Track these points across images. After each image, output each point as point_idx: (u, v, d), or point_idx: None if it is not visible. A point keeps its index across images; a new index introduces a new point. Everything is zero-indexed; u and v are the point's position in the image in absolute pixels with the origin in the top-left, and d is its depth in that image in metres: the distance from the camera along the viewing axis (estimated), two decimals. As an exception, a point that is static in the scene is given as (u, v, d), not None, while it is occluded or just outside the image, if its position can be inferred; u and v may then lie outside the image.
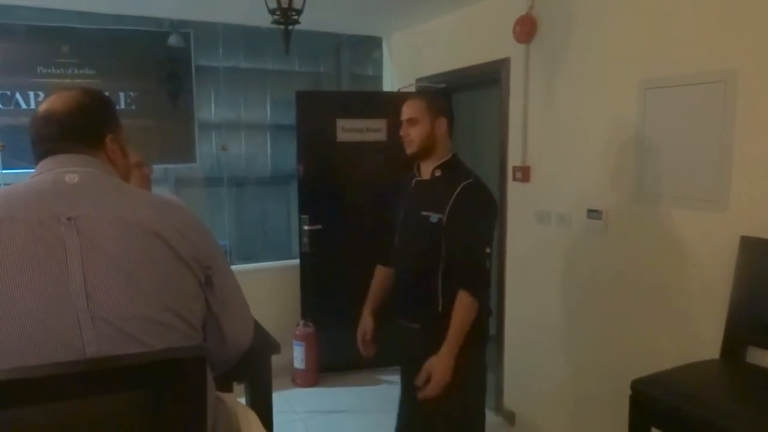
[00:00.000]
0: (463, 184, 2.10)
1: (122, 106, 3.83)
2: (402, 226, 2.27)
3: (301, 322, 3.92)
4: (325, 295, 3.99)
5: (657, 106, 2.42)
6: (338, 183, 4.01)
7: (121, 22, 3.79)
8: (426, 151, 2.16)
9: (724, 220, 2.18)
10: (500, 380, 3.41)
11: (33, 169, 1.20)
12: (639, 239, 2.54)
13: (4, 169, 3.48)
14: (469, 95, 4.11)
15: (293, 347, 3.87)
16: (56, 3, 3.45)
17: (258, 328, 2.07)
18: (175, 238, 1.12)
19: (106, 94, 1.37)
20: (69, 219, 1.05)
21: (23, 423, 0.91)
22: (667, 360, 2.27)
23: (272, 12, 2.81)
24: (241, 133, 4.51)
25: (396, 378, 3.96)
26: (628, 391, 2.03)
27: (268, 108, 4.61)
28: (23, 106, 3.60)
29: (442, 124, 2.15)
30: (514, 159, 3.23)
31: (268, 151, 4.65)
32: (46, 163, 1.18)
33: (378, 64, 4.73)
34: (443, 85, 3.83)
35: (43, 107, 1.22)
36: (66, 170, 1.14)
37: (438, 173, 2.17)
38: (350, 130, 3.97)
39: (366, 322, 2.40)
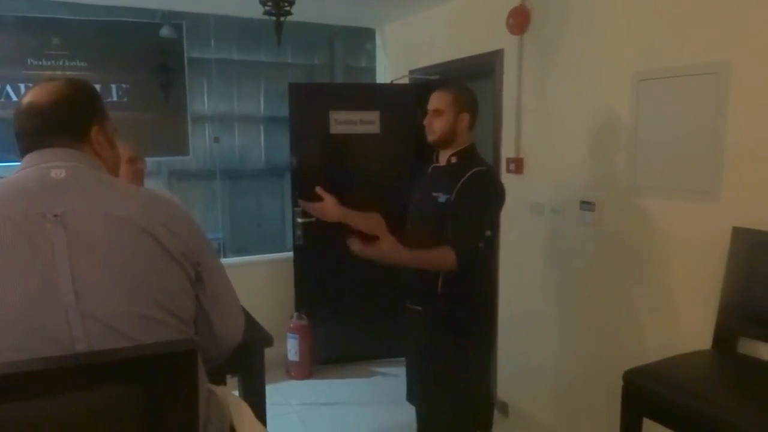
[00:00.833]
0: (475, 169, 2.19)
1: (114, 98, 3.80)
2: (413, 208, 2.34)
3: (295, 315, 3.92)
4: (319, 287, 3.99)
5: (650, 97, 2.42)
6: (332, 175, 3.99)
7: (112, 14, 3.75)
8: (445, 141, 2.25)
9: (717, 212, 2.19)
10: (494, 371, 3.43)
11: (23, 162, 1.19)
12: (632, 231, 2.54)
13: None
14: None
15: (287, 340, 3.87)
16: (46, -6, 3.42)
17: (251, 321, 2.08)
18: (164, 233, 1.11)
19: (97, 86, 1.35)
20: (56, 216, 1.04)
21: (14, 419, 0.90)
22: (659, 351, 2.28)
23: (264, 3, 2.78)
24: (235, 125, 4.48)
25: (389, 370, 4.00)
26: (621, 382, 2.04)
27: (262, 100, 4.59)
28: (14, 98, 3.57)
29: (465, 119, 2.24)
30: (507, 151, 3.23)
31: (262, 144, 4.63)
32: (31, 158, 1.16)
33: (371, 55, 4.71)
34: (437, 77, 3.82)
35: (26, 99, 1.20)
36: (51, 165, 1.12)
37: (454, 160, 2.26)
38: (344, 122, 3.96)
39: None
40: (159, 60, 3.91)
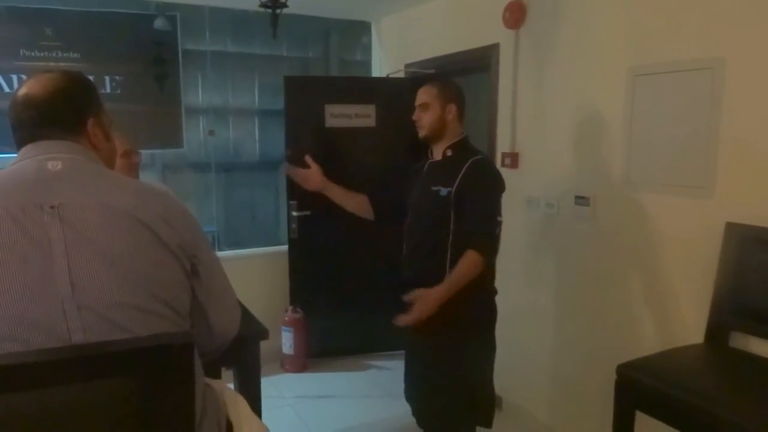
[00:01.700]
0: (472, 159, 2.23)
1: (107, 90, 3.77)
2: (413, 204, 2.36)
3: (290, 308, 3.92)
4: (314, 281, 3.99)
5: (645, 92, 2.43)
6: (327, 169, 3.95)
7: (105, 5, 3.72)
8: (436, 134, 2.29)
9: (710, 207, 2.20)
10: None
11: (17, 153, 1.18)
12: (626, 225, 2.55)
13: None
14: (458, 81, 4.08)
15: (282, 333, 3.87)
16: (38, -16, 3.39)
17: (246, 314, 2.08)
18: (160, 225, 1.11)
19: (90, 77, 1.35)
20: (52, 207, 1.04)
21: (10, 410, 0.90)
22: (652, 345, 2.30)
23: (260, -5, 2.78)
24: (229, 118, 4.46)
25: (383, 363, 4.01)
26: (614, 376, 2.05)
27: (256, 93, 4.56)
28: (6, 89, 3.54)
29: (452, 110, 2.28)
30: (502, 145, 3.23)
31: (257, 137, 4.60)
32: (27, 150, 1.16)
33: (367, 49, 4.70)
34: (432, 71, 3.81)
35: (21, 91, 1.19)
36: (48, 157, 1.12)
37: (449, 153, 2.29)
38: (339, 115, 3.94)
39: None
40: (153, 52, 3.88)
